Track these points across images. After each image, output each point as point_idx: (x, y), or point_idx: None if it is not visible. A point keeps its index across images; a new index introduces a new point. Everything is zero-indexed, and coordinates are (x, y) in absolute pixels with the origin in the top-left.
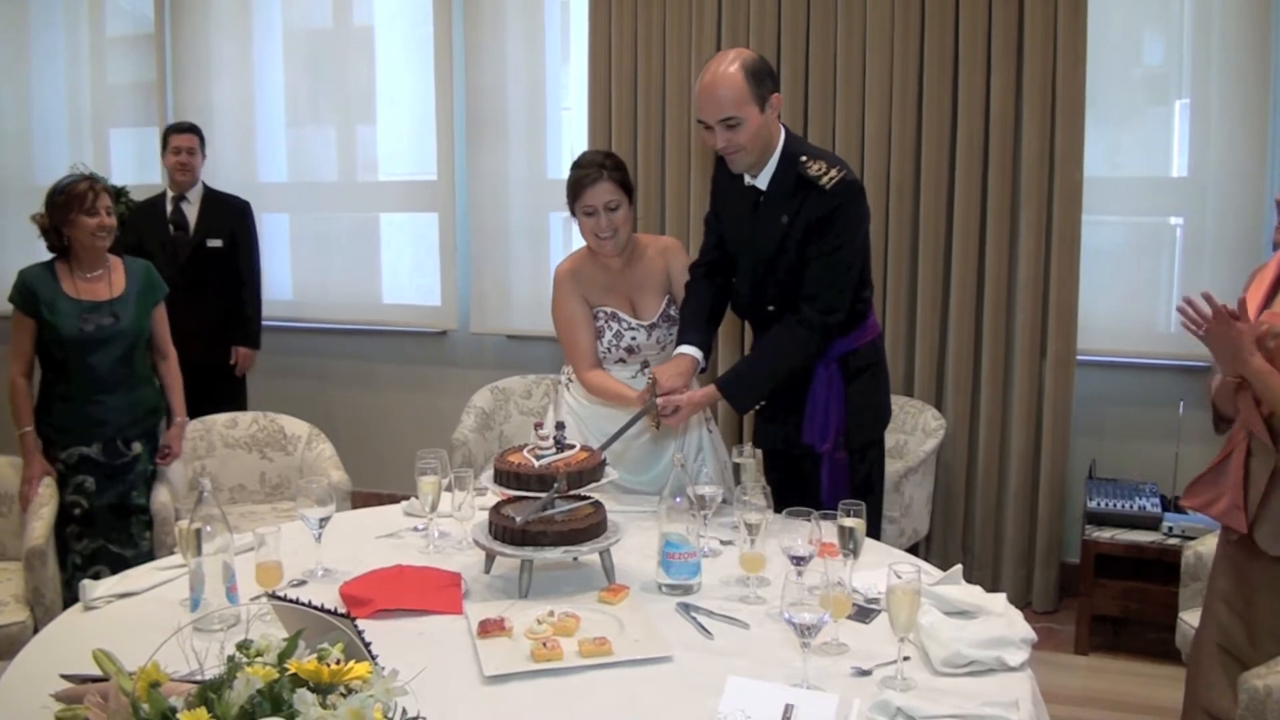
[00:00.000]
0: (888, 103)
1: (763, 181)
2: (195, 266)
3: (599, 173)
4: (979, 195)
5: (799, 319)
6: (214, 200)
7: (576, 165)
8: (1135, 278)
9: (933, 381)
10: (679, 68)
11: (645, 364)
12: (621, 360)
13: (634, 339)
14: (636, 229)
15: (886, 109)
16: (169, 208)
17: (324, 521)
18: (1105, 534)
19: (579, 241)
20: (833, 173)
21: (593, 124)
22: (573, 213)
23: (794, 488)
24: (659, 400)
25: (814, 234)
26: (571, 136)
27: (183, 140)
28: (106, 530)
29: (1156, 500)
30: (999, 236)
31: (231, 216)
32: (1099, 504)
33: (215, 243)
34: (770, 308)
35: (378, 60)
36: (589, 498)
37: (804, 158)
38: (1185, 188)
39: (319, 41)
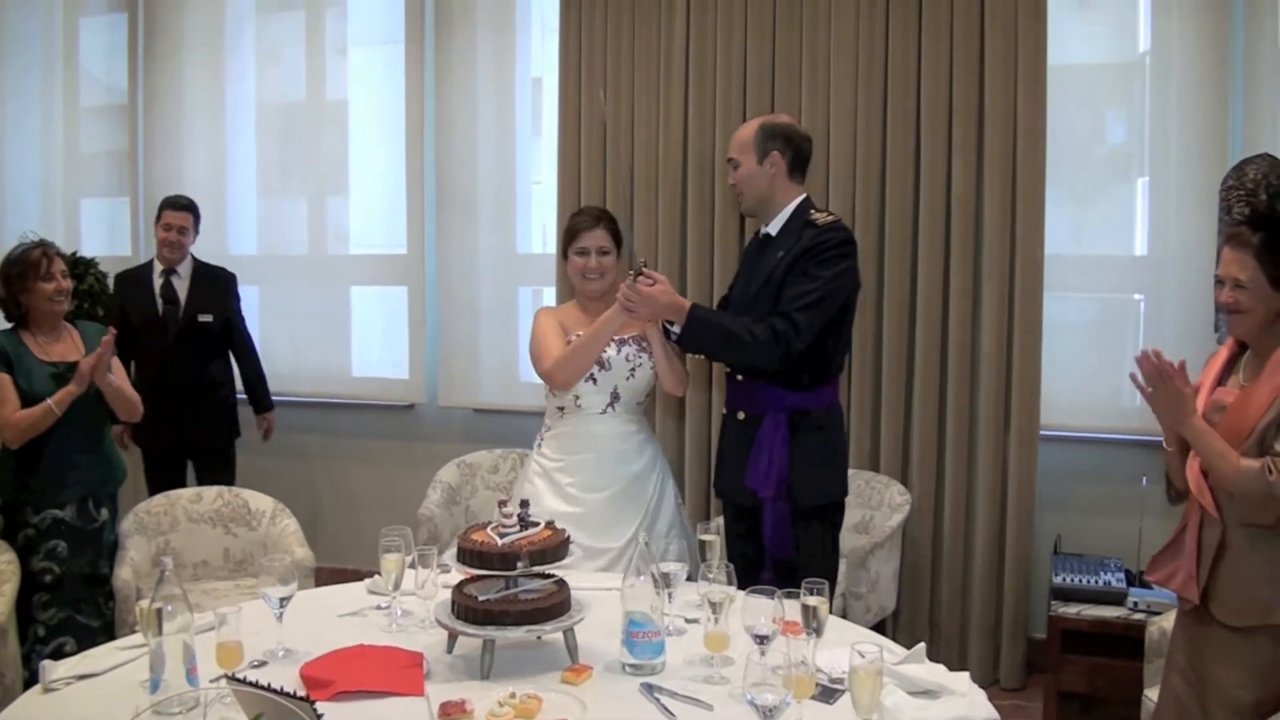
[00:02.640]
0: (851, 180)
1: (774, 228)
2: (184, 342)
3: (595, 221)
4: (941, 271)
5: (769, 322)
6: (204, 274)
7: (576, 214)
8: (1098, 354)
9: (898, 456)
10: (648, 142)
11: (615, 395)
12: (592, 380)
13: (604, 354)
14: None
15: (850, 186)
16: (158, 281)
17: (285, 600)
18: (1071, 609)
19: None
20: (831, 218)
21: (562, 198)
22: (565, 255)
23: (751, 540)
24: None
25: (799, 260)
26: (542, 211)
27: (176, 218)
28: (75, 600)
29: (1122, 575)
30: (961, 312)
31: (221, 290)
32: (1064, 579)
33: (206, 318)
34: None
35: (350, 133)
36: (553, 576)
37: (814, 211)
38: (1146, 265)
39: (292, 114)
